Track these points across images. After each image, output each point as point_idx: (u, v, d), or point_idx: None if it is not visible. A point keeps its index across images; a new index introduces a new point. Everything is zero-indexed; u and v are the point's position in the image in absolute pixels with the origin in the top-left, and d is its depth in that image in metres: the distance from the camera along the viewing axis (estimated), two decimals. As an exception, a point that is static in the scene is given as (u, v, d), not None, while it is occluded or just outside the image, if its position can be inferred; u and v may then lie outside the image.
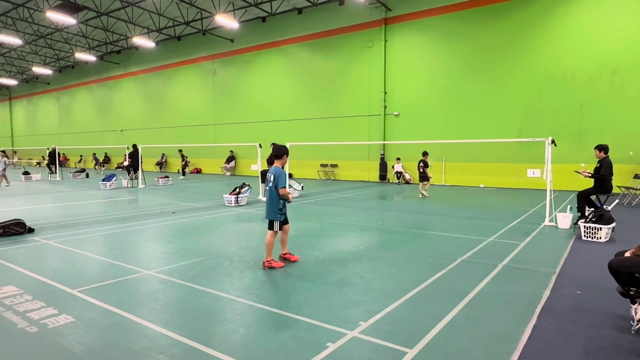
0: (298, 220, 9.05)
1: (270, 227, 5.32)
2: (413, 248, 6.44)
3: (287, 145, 12.72)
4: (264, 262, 5.31)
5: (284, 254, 5.56)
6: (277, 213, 5.25)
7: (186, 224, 8.62)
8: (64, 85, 38.24)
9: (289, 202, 5.40)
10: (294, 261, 5.53)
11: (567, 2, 15.17)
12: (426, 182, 13.50)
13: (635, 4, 14.01)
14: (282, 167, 5.46)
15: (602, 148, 8.20)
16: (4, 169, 17.57)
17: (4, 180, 17.75)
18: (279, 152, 5.43)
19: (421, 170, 13.35)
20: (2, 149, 19.81)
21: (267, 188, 5.34)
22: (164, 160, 29.87)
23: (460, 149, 17.38)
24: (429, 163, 13.58)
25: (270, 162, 13.08)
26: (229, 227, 8.35)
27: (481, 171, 17.16)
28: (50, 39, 28.52)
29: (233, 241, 7.02)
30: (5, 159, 17.80)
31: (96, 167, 30.57)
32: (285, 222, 5.44)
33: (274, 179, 5.24)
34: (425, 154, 13.42)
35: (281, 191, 5.20)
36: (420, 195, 13.46)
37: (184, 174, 24.50)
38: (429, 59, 18.30)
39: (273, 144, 5.49)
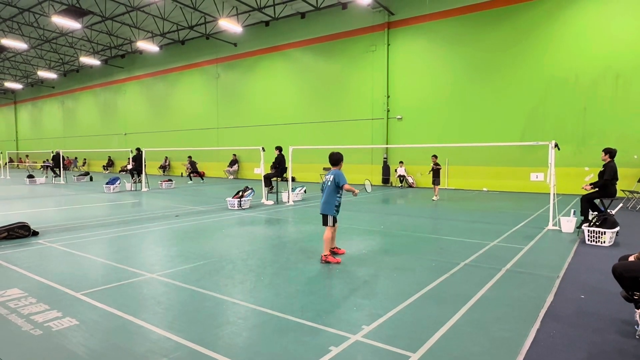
0: (301, 224, 9.07)
1: (325, 222, 5.86)
2: (416, 252, 6.43)
3: (290, 149, 12.91)
4: (321, 257, 5.79)
5: (332, 248, 6.10)
6: (333, 209, 5.82)
7: (189, 227, 8.65)
8: (68, 89, 38.52)
9: (355, 195, 5.87)
10: (341, 254, 6.11)
11: (570, 6, 15.18)
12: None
13: (638, 8, 13.99)
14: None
15: (609, 151, 8.18)
16: None
17: None
18: (335, 161, 6.03)
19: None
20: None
21: (325, 187, 5.91)
22: (167, 163, 29.96)
23: (463, 152, 17.36)
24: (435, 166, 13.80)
25: (274, 166, 13.21)
26: (231, 230, 8.37)
27: (484, 175, 17.13)
28: (55, 43, 28.75)
29: (236, 244, 7.03)
30: None
31: (46, 171, 24.50)
32: (335, 220, 5.90)
33: (334, 179, 5.79)
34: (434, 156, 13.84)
35: (346, 187, 5.74)
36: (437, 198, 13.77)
37: (190, 178, 23.80)
38: (431, 62, 18.33)
39: (331, 153, 6.07)
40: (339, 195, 5.86)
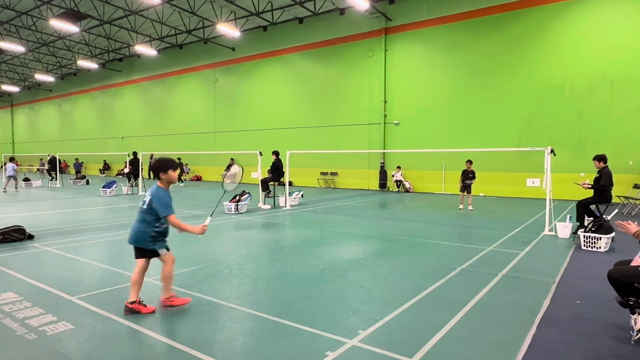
0: (298, 229, 9.07)
1: (140, 255, 4.09)
2: (412, 257, 6.44)
3: (287, 154, 12.91)
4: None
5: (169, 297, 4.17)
6: (148, 238, 4.01)
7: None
8: (65, 92, 38.45)
9: (197, 233, 4.14)
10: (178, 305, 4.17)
11: (565, 14, 15.33)
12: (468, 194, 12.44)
13: (633, 16, 14.16)
14: (168, 186, 4.13)
15: (601, 158, 8.25)
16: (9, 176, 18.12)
17: (8, 184, 18.12)
18: (155, 170, 4.11)
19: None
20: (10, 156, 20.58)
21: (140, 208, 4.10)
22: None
23: (459, 158, 17.37)
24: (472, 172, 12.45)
25: (271, 171, 13.19)
26: (228, 234, 8.35)
27: (481, 180, 17.07)
28: (53, 47, 28.73)
29: (233, 249, 7.02)
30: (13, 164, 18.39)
31: (43, 172, 24.93)
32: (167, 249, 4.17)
33: (150, 202, 4.01)
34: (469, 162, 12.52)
35: (171, 220, 4.02)
36: (470, 208, 12.37)
37: (181, 181, 24.39)
38: (428, 68, 18.44)
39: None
40: (157, 226, 4.03)
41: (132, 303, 3.96)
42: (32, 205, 13.43)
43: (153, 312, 4.00)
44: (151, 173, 4.12)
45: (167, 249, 4.17)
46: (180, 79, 28.59)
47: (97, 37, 26.32)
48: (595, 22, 14.82)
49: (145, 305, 4.02)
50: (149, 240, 4.00)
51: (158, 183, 4.11)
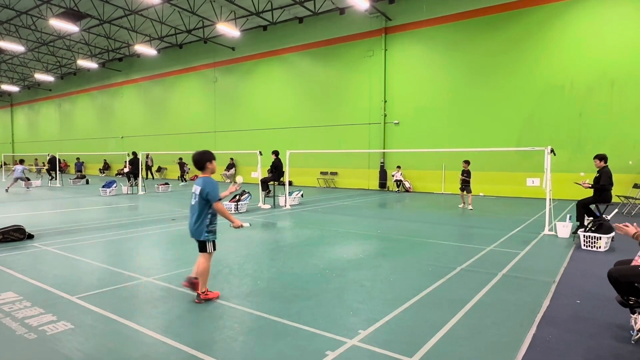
0: (298, 228, 9.06)
1: (202, 248, 4.33)
2: (412, 256, 6.43)
3: (287, 153, 12.90)
4: (198, 295, 4.29)
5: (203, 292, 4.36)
6: (205, 231, 4.26)
7: (185, 230, 8.56)
8: (65, 92, 38.42)
9: (235, 226, 4.41)
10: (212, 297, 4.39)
11: (565, 13, 15.33)
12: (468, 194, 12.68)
13: (633, 16, 14.16)
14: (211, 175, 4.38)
15: (602, 157, 8.25)
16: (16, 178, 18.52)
17: (12, 185, 18.50)
18: (199, 163, 4.31)
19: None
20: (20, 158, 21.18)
21: (192, 202, 4.34)
22: (149, 159, 28.99)
23: (459, 157, 17.36)
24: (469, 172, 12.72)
25: (271, 170, 13.18)
26: (228, 234, 8.34)
27: (481, 180, 17.17)
28: (52, 46, 28.71)
29: (233, 248, 7.01)
30: (20, 166, 18.75)
31: (41, 172, 25.74)
32: (214, 246, 4.41)
33: (201, 191, 4.18)
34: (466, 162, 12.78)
35: (218, 207, 4.21)
36: (470, 208, 12.49)
37: (185, 180, 25.11)
38: (428, 68, 18.43)
39: (194, 153, 4.37)
40: (210, 212, 4.25)
41: (203, 292, 4.29)
42: (31, 204, 13.42)
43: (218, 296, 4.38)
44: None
45: (214, 246, 4.41)
46: (180, 79, 28.57)
47: (97, 36, 26.30)
48: (595, 22, 14.82)
49: (209, 292, 4.37)
50: (206, 230, 4.27)
51: (202, 174, 4.34)
